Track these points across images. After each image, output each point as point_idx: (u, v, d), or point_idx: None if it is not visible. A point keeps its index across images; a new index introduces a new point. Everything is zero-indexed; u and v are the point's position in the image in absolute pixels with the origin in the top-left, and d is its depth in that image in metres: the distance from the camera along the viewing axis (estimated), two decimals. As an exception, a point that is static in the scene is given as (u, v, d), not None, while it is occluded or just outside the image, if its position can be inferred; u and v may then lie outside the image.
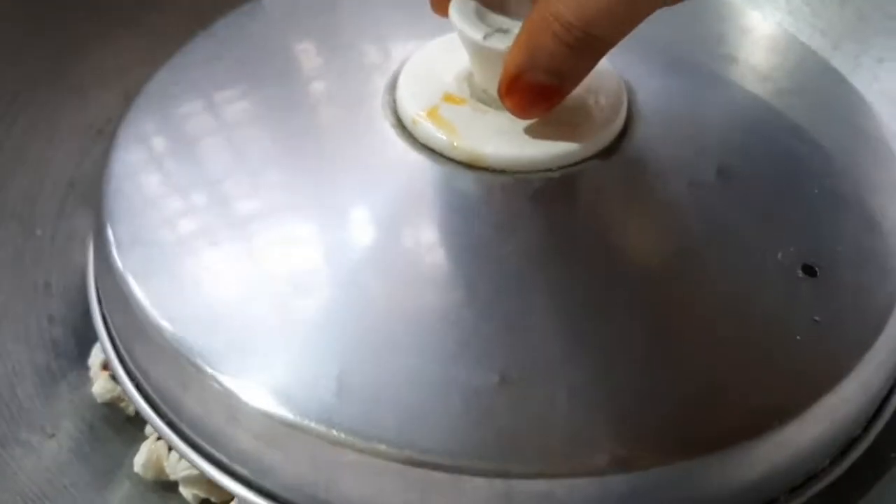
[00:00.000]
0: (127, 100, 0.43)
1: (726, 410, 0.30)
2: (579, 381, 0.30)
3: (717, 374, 0.31)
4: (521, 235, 0.33)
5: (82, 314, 0.39)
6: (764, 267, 0.33)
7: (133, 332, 0.34)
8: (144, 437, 0.37)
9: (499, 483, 0.29)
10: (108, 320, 0.36)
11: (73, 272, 0.41)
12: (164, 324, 0.32)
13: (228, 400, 0.30)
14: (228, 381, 0.30)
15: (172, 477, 0.36)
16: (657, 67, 0.38)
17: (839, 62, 0.45)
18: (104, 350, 0.36)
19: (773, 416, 0.30)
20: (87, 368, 0.39)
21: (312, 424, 0.29)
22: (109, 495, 0.36)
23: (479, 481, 0.29)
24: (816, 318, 0.32)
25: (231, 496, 0.33)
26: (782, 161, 0.36)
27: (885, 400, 0.35)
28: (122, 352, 0.35)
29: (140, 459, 0.36)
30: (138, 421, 0.37)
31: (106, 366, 0.37)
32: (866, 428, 0.34)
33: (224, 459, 0.32)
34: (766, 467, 0.31)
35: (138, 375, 0.34)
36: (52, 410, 0.38)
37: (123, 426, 0.35)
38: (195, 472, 0.34)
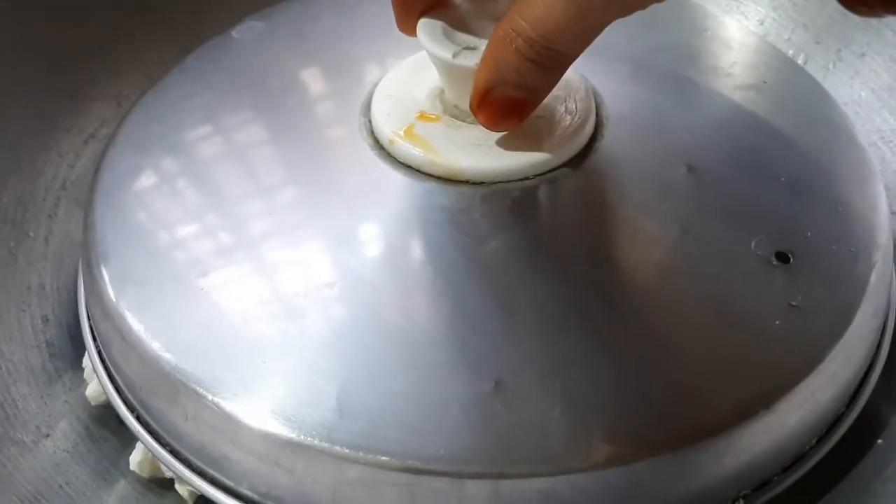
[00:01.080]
0: (119, 104, 0.44)
1: (715, 399, 0.31)
2: (569, 382, 0.31)
3: (704, 365, 0.32)
4: (504, 245, 0.34)
5: (76, 315, 0.39)
6: (739, 257, 0.34)
7: (128, 363, 0.34)
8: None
9: (499, 484, 0.30)
10: (104, 353, 0.36)
11: (67, 274, 0.42)
12: (160, 353, 0.32)
13: (229, 424, 0.31)
14: (229, 406, 0.31)
15: (168, 474, 0.36)
16: (623, 72, 0.39)
17: (821, 56, 0.46)
18: (101, 383, 0.36)
19: (760, 401, 0.31)
20: (81, 369, 0.39)
21: (315, 442, 0.30)
22: (106, 494, 0.36)
23: (482, 484, 0.30)
24: (793, 302, 0.33)
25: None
26: (748, 154, 0.37)
27: (867, 374, 0.36)
28: (119, 381, 0.35)
29: (136, 457, 0.36)
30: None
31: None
32: (849, 404, 0.35)
33: (229, 483, 0.32)
34: (758, 450, 0.32)
35: (137, 406, 0.35)
36: (48, 410, 0.38)
37: (119, 425, 0.35)
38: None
